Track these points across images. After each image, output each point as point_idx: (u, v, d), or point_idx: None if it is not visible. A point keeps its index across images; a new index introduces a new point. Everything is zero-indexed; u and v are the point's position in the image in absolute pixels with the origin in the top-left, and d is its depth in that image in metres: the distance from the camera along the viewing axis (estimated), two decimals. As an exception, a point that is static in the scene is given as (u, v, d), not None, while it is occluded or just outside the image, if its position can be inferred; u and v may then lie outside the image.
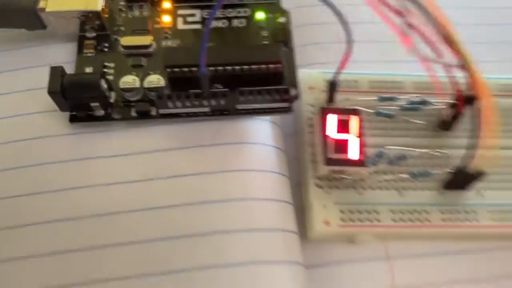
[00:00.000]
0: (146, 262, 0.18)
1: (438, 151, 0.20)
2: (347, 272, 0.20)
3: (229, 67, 0.20)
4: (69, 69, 0.22)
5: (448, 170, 0.19)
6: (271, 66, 0.20)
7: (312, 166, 0.20)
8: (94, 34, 0.22)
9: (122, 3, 0.23)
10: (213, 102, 0.20)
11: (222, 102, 0.20)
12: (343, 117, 0.19)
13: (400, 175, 0.20)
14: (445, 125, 0.20)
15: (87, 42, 0.22)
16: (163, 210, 0.19)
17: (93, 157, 0.20)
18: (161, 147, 0.20)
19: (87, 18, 0.21)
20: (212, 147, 0.21)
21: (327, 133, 0.19)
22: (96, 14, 0.21)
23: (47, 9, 0.21)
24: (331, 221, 0.19)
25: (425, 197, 0.20)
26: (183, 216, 0.19)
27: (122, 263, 0.18)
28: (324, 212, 0.19)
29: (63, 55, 0.22)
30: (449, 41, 0.17)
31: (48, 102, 0.20)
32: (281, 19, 0.23)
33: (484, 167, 0.18)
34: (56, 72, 0.19)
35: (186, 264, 0.18)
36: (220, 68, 0.20)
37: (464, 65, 0.17)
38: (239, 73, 0.20)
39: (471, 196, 0.20)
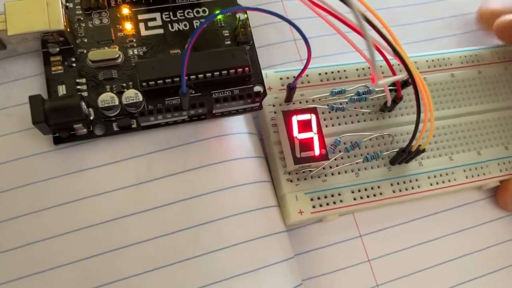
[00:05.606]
0: (155, 258, 0.21)
1: (383, 134, 0.24)
2: (325, 250, 0.24)
3: (201, 75, 0.22)
4: (38, 83, 0.22)
5: (393, 150, 0.23)
6: (240, 70, 0.22)
7: (281, 163, 0.23)
8: (57, 49, 0.22)
9: (80, 12, 0.23)
10: (192, 112, 0.22)
11: (200, 110, 0.22)
12: (303, 117, 0.22)
13: (355, 159, 0.23)
14: (388, 108, 0.24)
15: (53, 58, 0.22)
16: (160, 209, 0.22)
17: (83, 169, 0.22)
18: (148, 150, 0.22)
19: (50, 36, 0.21)
20: (195, 144, 0.23)
21: (293, 134, 0.22)
22: (59, 32, 0.21)
23: (9, 33, 0.20)
24: (304, 210, 0.22)
25: (376, 175, 0.23)
26: (180, 212, 0.22)
27: (133, 262, 0.21)
28: (297, 203, 0.22)
29: (29, 69, 0.22)
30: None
31: (23, 120, 0.21)
32: (240, 16, 0.24)
33: (422, 146, 0.22)
34: (37, 102, 0.20)
35: (192, 252, 0.21)
36: (193, 77, 0.22)
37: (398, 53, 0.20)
38: (210, 79, 0.22)
39: (413, 167, 0.24)
